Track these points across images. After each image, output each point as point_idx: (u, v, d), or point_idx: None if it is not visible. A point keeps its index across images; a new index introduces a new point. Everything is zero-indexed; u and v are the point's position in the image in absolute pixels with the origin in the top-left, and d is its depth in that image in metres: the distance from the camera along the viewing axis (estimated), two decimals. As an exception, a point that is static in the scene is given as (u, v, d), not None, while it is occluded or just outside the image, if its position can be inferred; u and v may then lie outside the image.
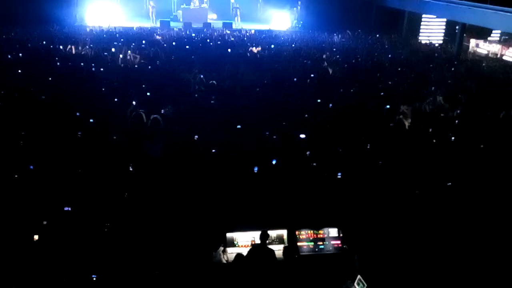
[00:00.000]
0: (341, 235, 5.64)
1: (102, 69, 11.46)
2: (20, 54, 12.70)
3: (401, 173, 6.52)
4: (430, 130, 8.16)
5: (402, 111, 8.87)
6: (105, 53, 13.50)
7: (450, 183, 6.39)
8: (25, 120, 7.59)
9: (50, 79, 10.30)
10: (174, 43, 15.95)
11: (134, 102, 8.54)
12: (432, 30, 21.55)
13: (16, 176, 5.94)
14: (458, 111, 9.31)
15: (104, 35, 17.27)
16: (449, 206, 5.77)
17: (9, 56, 12.47)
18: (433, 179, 6.41)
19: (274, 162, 6.67)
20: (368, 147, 7.42)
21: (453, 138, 7.78)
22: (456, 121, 8.83)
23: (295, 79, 11.46)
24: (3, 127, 7.27)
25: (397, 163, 6.81)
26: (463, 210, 5.68)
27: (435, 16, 20.45)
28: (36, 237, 4.97)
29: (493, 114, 8.93)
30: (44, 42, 14.91)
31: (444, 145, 7.58)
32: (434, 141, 7.71)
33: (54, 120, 7.64)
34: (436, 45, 19.49)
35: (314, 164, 6.84)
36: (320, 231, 5.65)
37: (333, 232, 5.67)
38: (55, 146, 6.69)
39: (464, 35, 17.94)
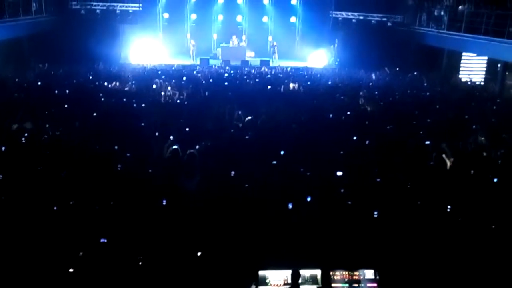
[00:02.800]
0: (377, 277, 5.41)
1: (143, 105, 11.82)
2: (67, 91, 13.28)
3: (441, 214, 6.29)
4: (472, 171, 7.86)
5: (442, 150, 8.63)
6: (146, 90, 13.95)
7: (493, 226, 6.10)
8: (68, 152, 7.86)
9: (94, 114, 10.69)
10: (211, 80, 16.33)
11: (171, 137, 8.71)
12: (472, 68, 21.17)
13: (55, 208, 6.09)
14: (502, 151, 8.98)
15: (145, 73, 17.92)
16: (493, 250, 5.49)
17: (56, 92, 13.08)
18: (475, 221, 6.14)
19: (308, 199, 6.58)
20: (408, 186, 7.22)
21: (495, 179, 7.46)
22: (499, 162, 8.49)
23: (330, 116, 11.44)
24: (47, 159, 7.54)
25: (437, 204, 6.58)
26: (508, 254, 5.38)
27: (475, 54, 20.12)
28: (71, 270, 5.02)
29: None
30: (90, 78, 15.63)
31: (487, 186, 7.28)
32: (476, 182, 7.42)
33: (94, 153, 7.88)
34: (477, 83, 19.07)
35: (350, 202, 6.69)
36: (356, 273, 5.43)
37: (369, 274, 5.45)
38: (94, 178, 6.87)
39: (507, 73, 17.51)
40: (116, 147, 8.27)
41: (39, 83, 14.49)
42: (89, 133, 9.21)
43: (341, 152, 8.64)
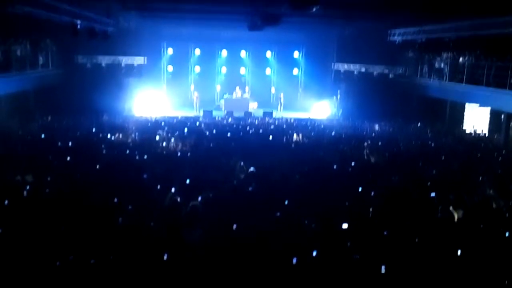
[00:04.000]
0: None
1: (145, 157, 11.76)
2: (70, 143, 13.28)
3: (451, 270, 6.03)
4: (481, 224, 7.63)
5: (449, 202, 8.44)
6: (149, 141, 13.96)
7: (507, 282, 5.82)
8: (68, 206, 7.71)
9: (97, 166, 10.62)
10: (214, 131, 16.38)
11: (173, 189, 8.59)
12: (476, 119, 21.19)
13: (56, 263, 5.89)
14: (511, 203, 8.77)
15: (149, 124, 18.04)
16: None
17: (59, 144, 13.08)
18: (487, 277, 5.87)
19: (314, 253, 6.34)
20: (416, 240, 6.99)
21: (507, 233, 7.22)
22: (507, 214, 8.28)
23: (334, 167, 11.32)
24: (47, 213, 7.39)
25: (446, 259, 6.33)
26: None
27: (478, 105, 20.21)
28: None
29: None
30: (94, 130, 15.71)
31: (497, 240, 7.03)
32: (486, 235, 7.18)
33: (95, 206, 7.73)
34: (481, 134, 19.03)
35: (357, 256, 6.45)
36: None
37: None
38: (94, 232, 6.69)
39: (511, 124, 17.50)
40: (116, 200, 8.12)
41: (42, 136, 14.52)
42: (91, 185, 9.09)
43: (347, 204, 8.47)
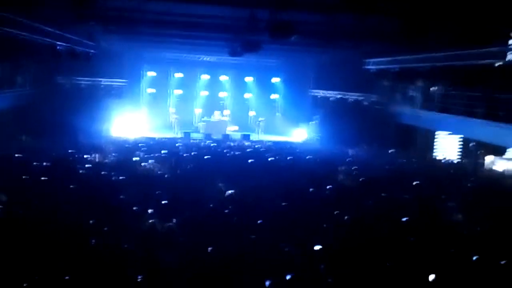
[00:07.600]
0: None
1: (121, 177, 11.72)
2: (44, 163, 13.13)
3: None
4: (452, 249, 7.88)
5: (421, 225, 8.69)
6: (127, 162, 13.93)
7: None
8: (41, 226, 7.64)
9: (71, 186, 10.54)
10: (193, 153, 16.44)
11: (149, 210, 8.60)
12: (447, 146, 21.81)
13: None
14: (478, 229, 9.08)
15: (127, 145, 17.98)
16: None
17: (34, 163, 12.92)
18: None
19: (288, 277, 6.43)
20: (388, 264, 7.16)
21: (475, 257, 7.47)
22: (477, 240, 8.55)
23: (310, 190, 11.50)
24: (20, 233, 7.31)
25: (418, 282, 6.51)
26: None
27: (448, 133, 20.82)
28: None
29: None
30: (70, 150, 15.57)
31: (467, 264, 7.27)
32: (457, 260, 7.41)
33: (69, 227, 7.68)
34: (452, 160, 19.57)
35: (330, 280, 6.57)
36: None
37: None
38: (66, 253, 6.65)
39: (479, 152, 18.04)
40: (91, 221, 8.08)
41: (16, 155, 14.31)
42: (65, 205, 9.02)
43: (324, 226, 8.63)
